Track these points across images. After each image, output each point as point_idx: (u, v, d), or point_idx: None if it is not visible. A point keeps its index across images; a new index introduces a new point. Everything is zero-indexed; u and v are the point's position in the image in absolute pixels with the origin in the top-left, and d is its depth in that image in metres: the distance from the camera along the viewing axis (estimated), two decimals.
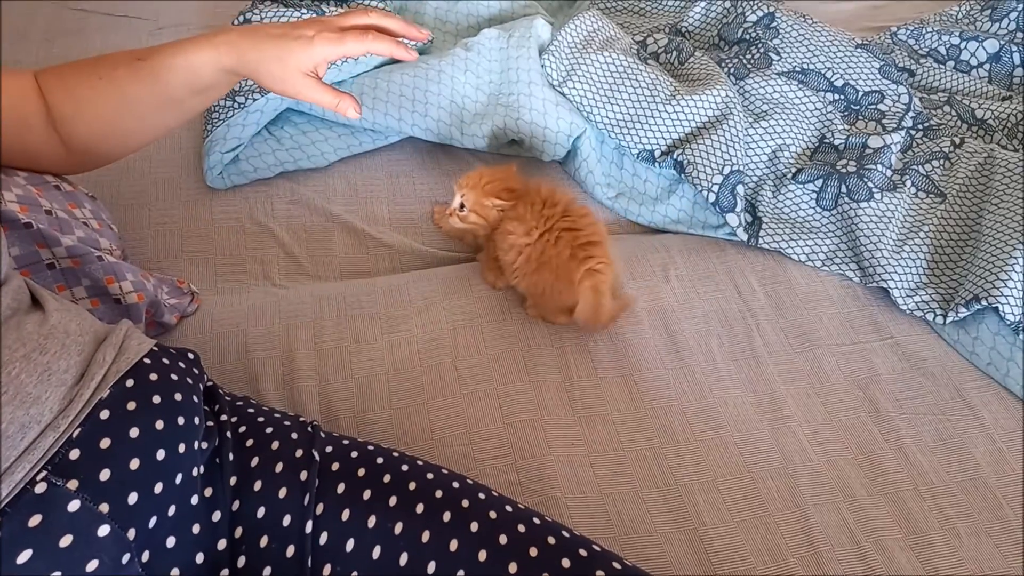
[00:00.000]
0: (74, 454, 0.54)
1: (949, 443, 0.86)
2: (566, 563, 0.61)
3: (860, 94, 1.15)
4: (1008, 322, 0.90)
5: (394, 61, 1.19)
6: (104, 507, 0.54)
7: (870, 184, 1.04)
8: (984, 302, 0.90)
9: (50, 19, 1.35)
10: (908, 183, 1.06)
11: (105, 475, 0.55)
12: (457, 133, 1.13)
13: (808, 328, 0.97)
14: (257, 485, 0.65)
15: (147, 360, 0.64)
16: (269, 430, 0.70)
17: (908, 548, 0.77)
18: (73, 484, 0.53)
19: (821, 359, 0.93)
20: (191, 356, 0.72)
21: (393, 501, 0.65)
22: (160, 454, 0.59)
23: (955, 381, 0.92)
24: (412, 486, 0.66)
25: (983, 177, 1.05)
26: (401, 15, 1.25)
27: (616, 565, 0.63)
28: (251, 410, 0.73)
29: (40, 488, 0.52)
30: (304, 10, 1.15)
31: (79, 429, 0.56)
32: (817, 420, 0.88)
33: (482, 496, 0.67)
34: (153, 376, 0.63)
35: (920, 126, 1.13)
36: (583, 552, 0.63)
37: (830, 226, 1.05)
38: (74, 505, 0.53)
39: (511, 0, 1.29)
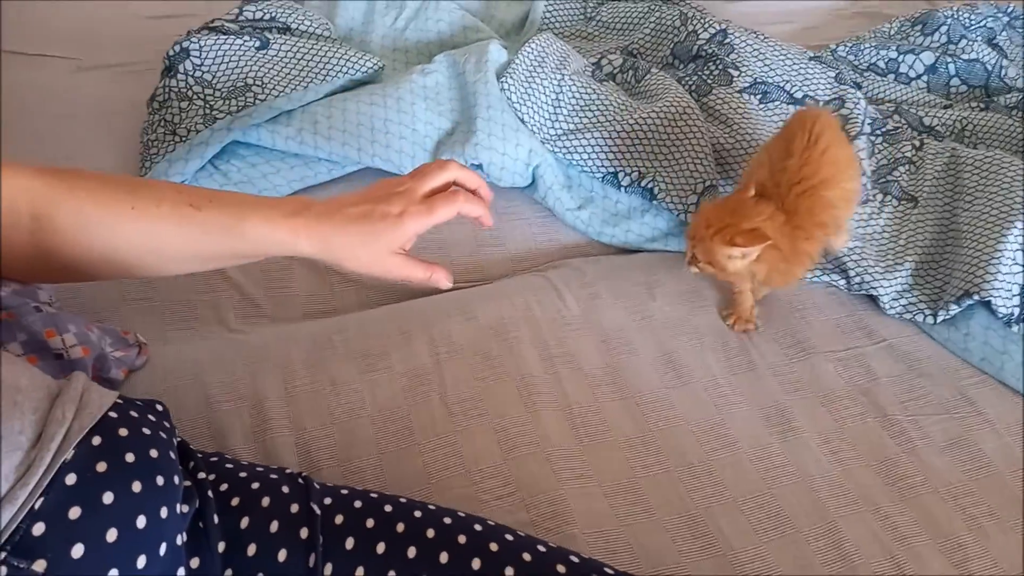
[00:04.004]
0: (38, 529, 0.46)
1: (959, 442, 0.84)
2: None
3: (820, 103, 1.16)
4: (1000, 315, 0.90)
5: (346, 89, 1.13)
6: None
7: None
8: (976, 296, 0.90)
9: None
10: (879, 193, 1.07)
11: (78, 551, 0.46)
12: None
13: (801, 336, 0.94)
14: (251, 550, 0.56)
15: (113, 414, 0.55)
16: (255, 485, 0.61)
17: (940, 553, 0.74)
18: (40, 565, 0.44)
19: (818, 367, 0.91)
20: (160, 408, 0.63)
21: (412, 552, 0.57)
22: (140, 521, 0.50)
23: (952, 379, 0.91)
24: (431, 534, 0.59)
25: (950, 176, 1.06)
26: (347, 43, 1.19)
27: None
28: (229, 465, 0.65)
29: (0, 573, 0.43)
30: (247, 36, 1.09)
31: (42, 499, 0.47)
32: (827, 429, 0.85)
33: (510, 538, 0.61)
34: (123, 431, 0.55)
35: (878, 132, 1.15)
36: None
37: None
38: None
39: (461, 17, 1.26)
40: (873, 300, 0.99)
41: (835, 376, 0.90)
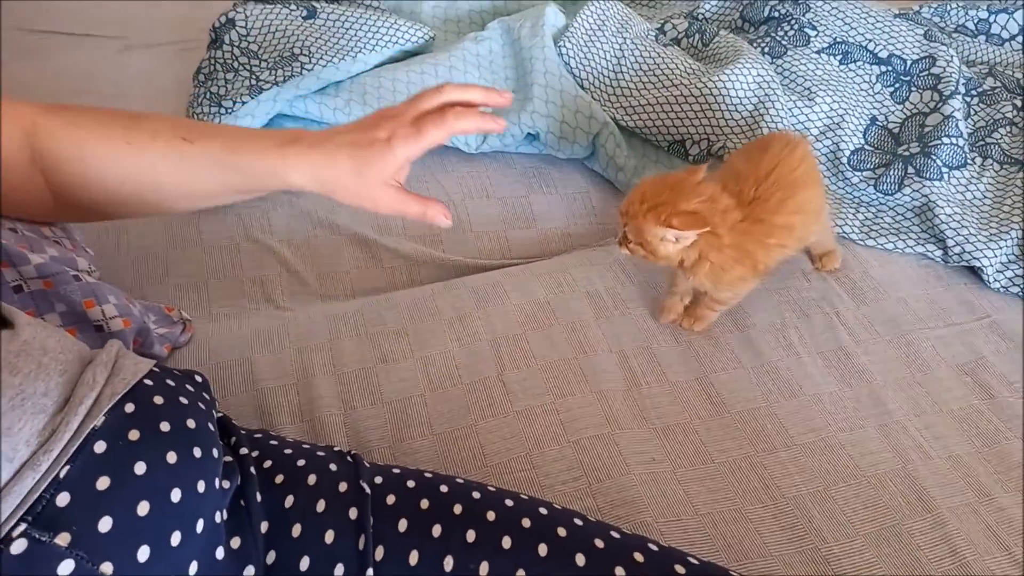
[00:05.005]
0: (63, 499, 0.41)
1: None
2: None
3: (909, 63, 1.07)
4: None
5: (395, 59, 1.09)
6: (107, 567, 0.41)
7: (939, 162, 0.95)
8: None
9: (4, 42, 1.22)
10: (977, 157, 0.97)
11: (106, 525, 0.42)
12: (472, 136, 1.02)
13: (893, 313, 0.86)
14: (296, 530, 0.51)
15: (148, 381, 0.51)
16: (301, 462, 0.57)
17: None
18: (64, 538, 0.40)
19: (915, 345, 0.83)
20: (199, 379, 0.59)
21: (471, 536, 0.52)
22: (175, 495, 0.46)
23: None
24: (491, 516, 0.53)
25: None
26: (397, 14, 1.15)
27: None
28: (274, 442, 0.60)
29: (19, 546, 0.39)
30: (293, 5, 1.05)
31: (67, 467, 0.43)
32: (927, 412, 0.76)
33: (579, 523, 0.54)
34: (158, 399, 0.50)
35: (973, 92, 1.05)
36: None
37: (899, 207, 0.96)
38: (67, 567, 0.40)
39: None
40: (974, 272, 0.90)
41: (934, 355, 0.82)
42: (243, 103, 0.96)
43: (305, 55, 1.02)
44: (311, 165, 0.59)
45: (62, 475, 0.42)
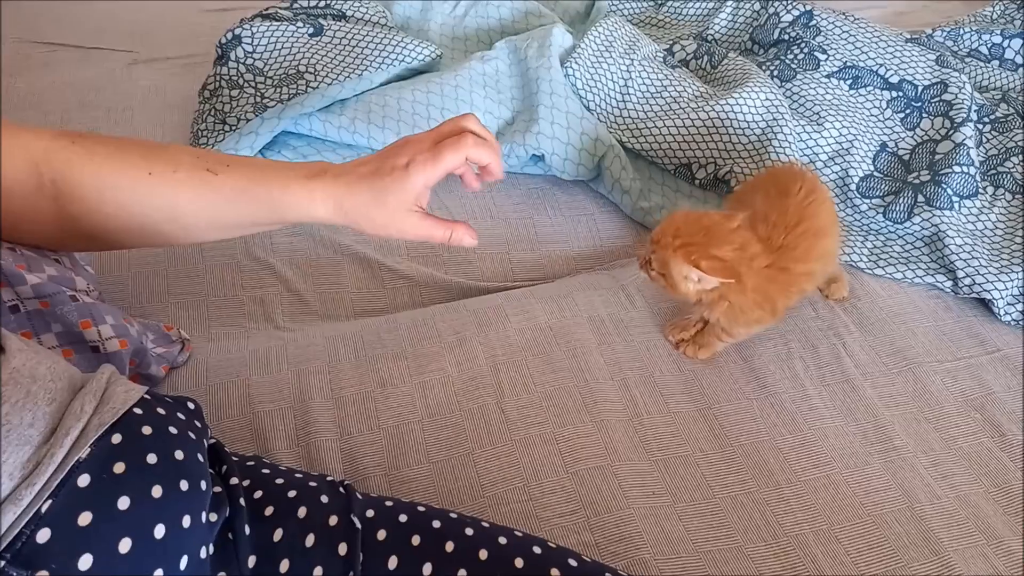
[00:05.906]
0: (43, 535, 0.40)
1: None
2: None
3: (920, 89, 1.05)
4: None
5: (402, 78, 1.08)
6: None
7: (950, 191, 0.94)
8: None
9: (11, 55, 1.23)
10: (989, 186, 0.96)
11: (86, 563, 0.41)
12: None
13: (901, 345, 0.84)
14: (284, 565, 0.51)
15: (138, 410, 0.50)
16: (292, 494, 0.56)
17: None
18: None
19: (924, 379, 0.81)
20: (191, 406, 0.58)
21: None
22: (159, 531, 0.44)
23: None
24: (483, 555, 0.52)
25: None
26: (404, 31, 1.14)
27: None
28: (265, 471, 0.59)
29: None
30: (300, 22, 1.04)
31: (50, 501, 0.42)
32: (935, 449, 0.75)
33: (573, 563, 0.53)
34: (147, 429, 0.49)
35: (986, 119, 1.04)
36: None
37: (908, 236, 0.94)
38: None
39: (524, 3, 1.20)
40: (985, 305, 0.89)
41: (942, 389, 0.80)
42: (247, 120, 0.95)
43: (311, 73, 1.01)
44: (334, 197, 0.59)
45: (43, 510, 0.41)
